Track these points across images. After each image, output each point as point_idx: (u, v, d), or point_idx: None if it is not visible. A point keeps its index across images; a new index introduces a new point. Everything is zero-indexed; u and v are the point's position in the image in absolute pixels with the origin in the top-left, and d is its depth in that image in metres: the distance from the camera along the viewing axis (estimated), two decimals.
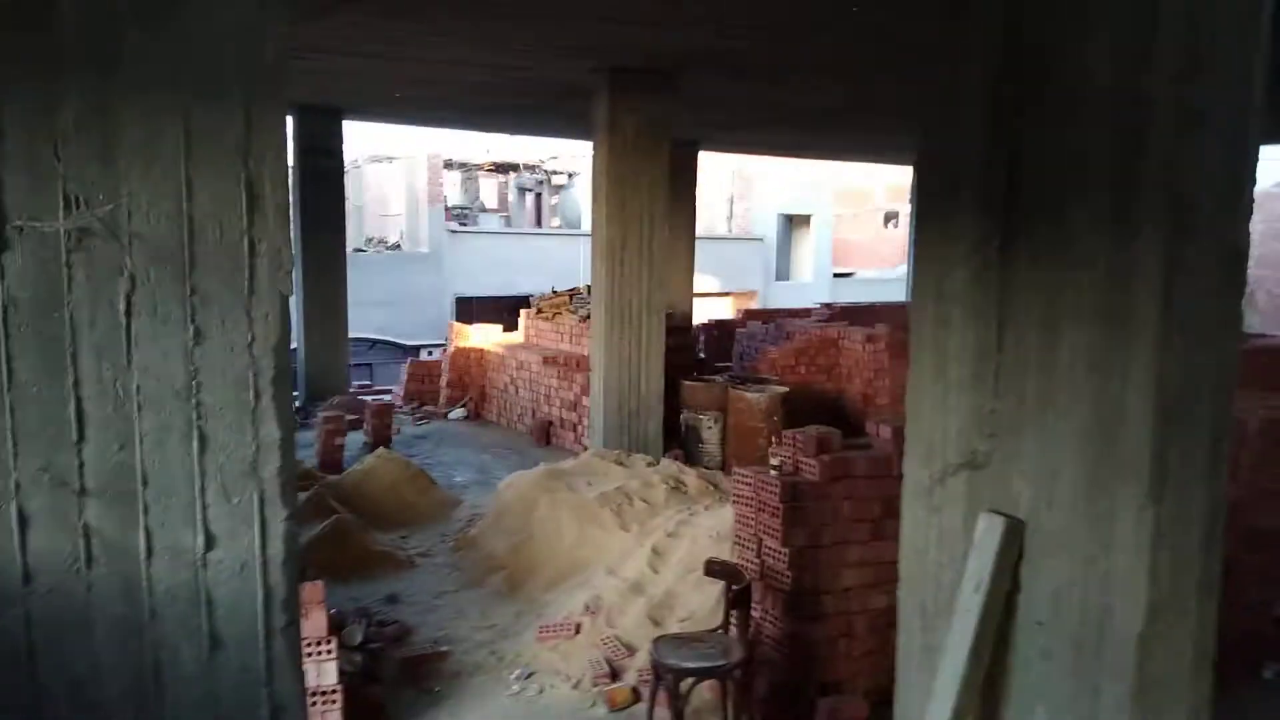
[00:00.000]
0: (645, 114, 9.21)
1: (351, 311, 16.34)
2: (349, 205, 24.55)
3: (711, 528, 6.52)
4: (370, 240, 22.47)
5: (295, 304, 13.30)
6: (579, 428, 11.09)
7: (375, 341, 19.72)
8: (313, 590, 4.51)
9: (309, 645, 4.40)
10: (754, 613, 4.88)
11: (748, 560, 5.08)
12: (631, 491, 7.41)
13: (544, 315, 12.50)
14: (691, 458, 9.79)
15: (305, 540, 7.25)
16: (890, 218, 41.91)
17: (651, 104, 9.24)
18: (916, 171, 3.58)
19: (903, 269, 33.98)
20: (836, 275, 27.98)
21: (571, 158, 25.13)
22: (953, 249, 3.07)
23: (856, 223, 41.27)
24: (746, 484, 5.14)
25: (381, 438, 10.72)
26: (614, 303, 9.33)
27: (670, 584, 6.14)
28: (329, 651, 4.43)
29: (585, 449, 9.75)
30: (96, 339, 1.97)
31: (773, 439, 9.77)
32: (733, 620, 4.82)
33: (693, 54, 8.57)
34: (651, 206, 9.33)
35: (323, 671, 4.42)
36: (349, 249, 21.98)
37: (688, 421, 10.24)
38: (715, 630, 4.86)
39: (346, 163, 24.74)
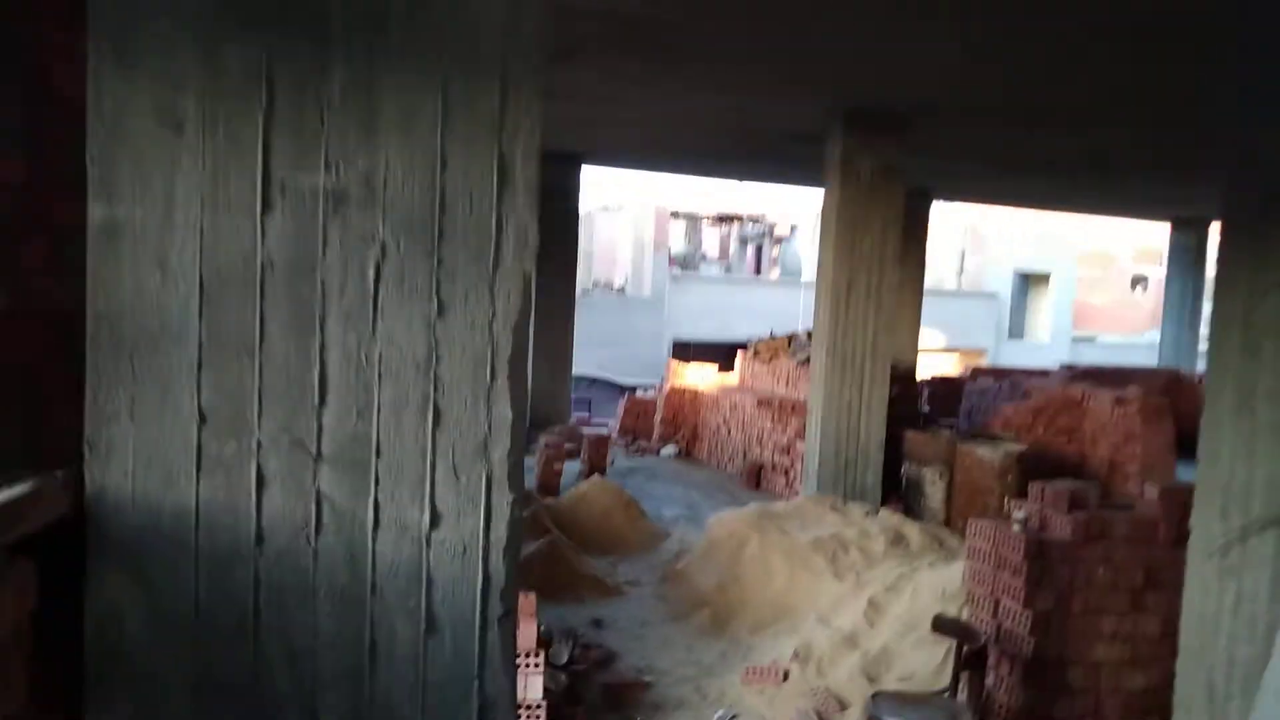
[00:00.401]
0: (880, 156, 8.90)
1: (574, 349, 16.89)
2: (580, 252, 25.58)
3: (936, 584, 6.05)
4: (596, 284, 23.20)
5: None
6: (790, 473, 10.76)
7: (595, 379, 20.22)
8: (525, 602, 4.51)
9: (517, 656, 4.38)
10: (987, 679, 4.42)
11: (981, 621, 4.63)
12: (847, 540, 7.03)
13: (761, 358, 12.32)
14: (911, 513, 9.23)
15: (522, 557, 7.37)
16: (1138, 281, 38.78)
17: (886, 146, 8.93)
18: (1225, 186, 3.15)
19: (1151, 335, 31.23)
20: (1076, 340, 26.06)
21: (793, 210, 24.97)
22: (1267, 273, 2.64)
23: (1099, 286, 38.44)
24: (985, 537, 4.70)
25: (597, 467, 10.85)
26: (836, 346, 9.00)
27: (887, 639, 5.73)
28: (536, 665, 4.40)
29: (796, 494, 9.43)
30: (345, 305, 1.98)
31: (1006, 500, 9.09)
32: (962, 684, 4.39)
33: (932, 96, 8.22)
34: (882, 250, 8.98)
35: (529, 684, 4.39)
36: (579, 292, 22.89)
37: (909, 474, 9.69)
38: (941, 692, 4.44)
39: (580, 210, 25.85)
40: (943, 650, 5.49)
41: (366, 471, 2.00)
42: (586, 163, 13.87)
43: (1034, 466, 9.38)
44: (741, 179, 15.77)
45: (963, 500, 9.26)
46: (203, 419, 1.94)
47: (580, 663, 5.75)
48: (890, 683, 5.37)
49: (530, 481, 10.05)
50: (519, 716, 4.38)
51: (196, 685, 2.00)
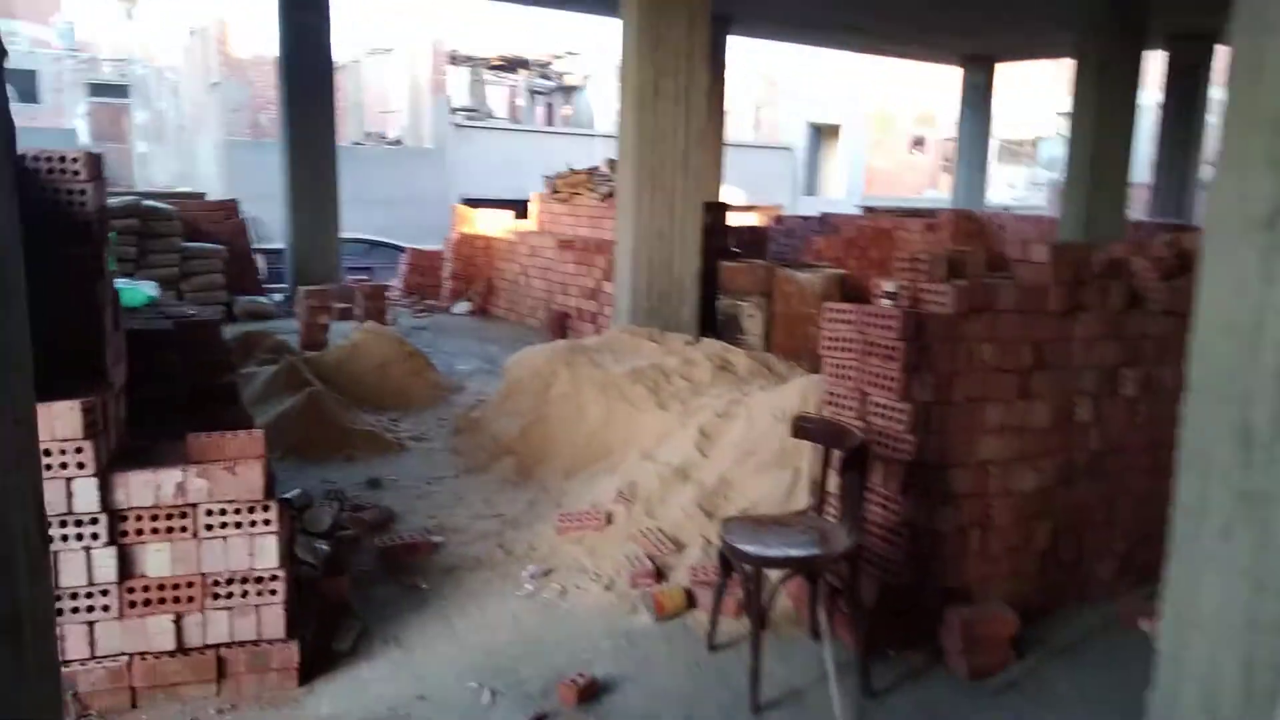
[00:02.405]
0: None
1: (348, 210, 14.98)
2: (348, 102, 22.99)
3: (774, 406, 5.21)
4: (369, 135, 20.88)
5: (281, 184, 11.92)
6: (599, 319, 9.74)
7: (374, 243, 18.29)
8: (249, 442, 3.20)
9: (237, 511, 3.11)
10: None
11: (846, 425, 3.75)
12: (669, 369, 6.08)
13: (560, 196, 11.07)
14: None
15: (272, 416, 5.97)
16: (918, 143, 40.11)
17: None
18: None
19: (932, 194, 32.35)
20: (866, 200, 26.36)
21: (585, 59, 23.40)
22: None
23: (881, 148, 39.49)
24: (846, 321, 3.79)
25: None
26: (644, 160, 7.87)
27: (724, 469, 4.85)
28: (267, 523, 3.13)
29: None
30: None
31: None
32: (830, 498, 3.52)
33: None
34: (690, 45, 7.82)
35: (259, 549, 3.13)
36: (346, 144, 20.51)
37: (725, 309, 8.89)
38: (805, 511, 3.56)
39: (345, 58, 23.11)
40: (788, 474, 4.67)
41: None
42: None
43: (852, 296, 8.83)
44: (525, 2, 14.07)
45: (782, 332, 8.57)
46: None
47: (349, 528, 4.53)
48: (732, 513, 4.50)
49: (294, 343, 8.49)
50: (245, 596, 3.12)
51: None
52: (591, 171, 10.77)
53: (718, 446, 5.15)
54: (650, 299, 8.21)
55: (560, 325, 10.15)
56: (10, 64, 20.75)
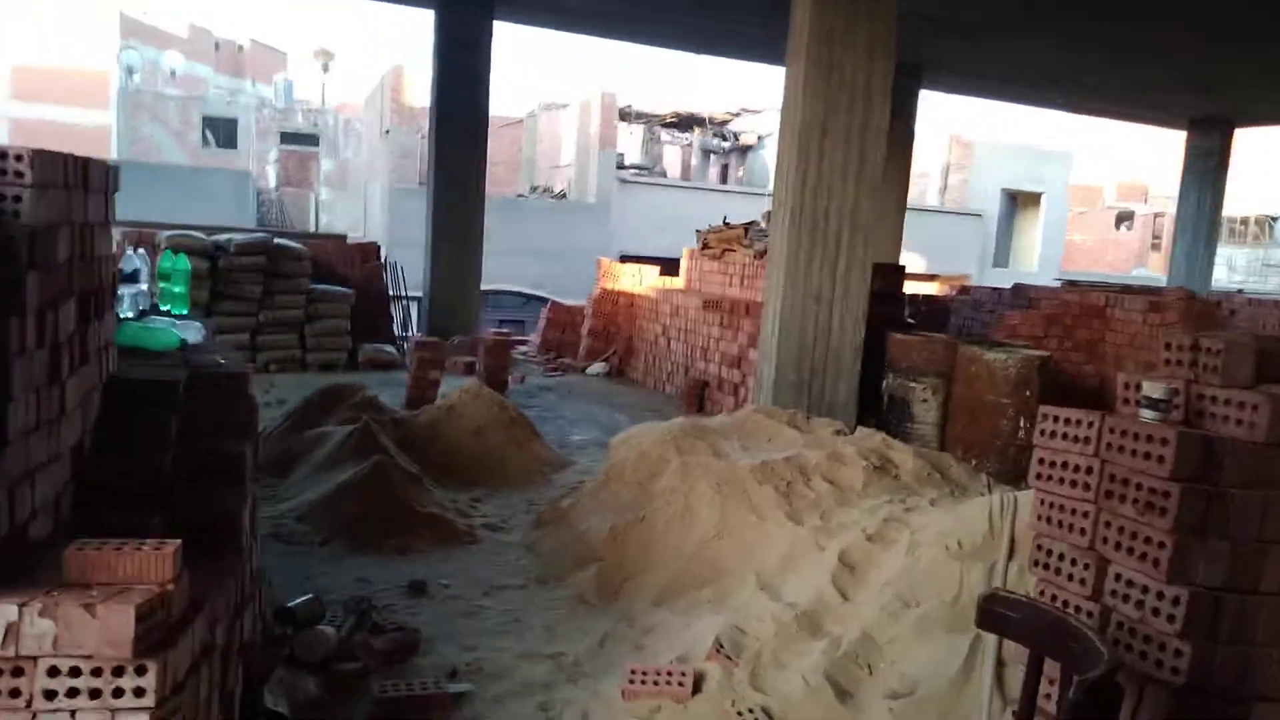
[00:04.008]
0: None
1: (505, 261, 14.47)
2: (521, 156, 22.96)
3: (948, 533, 3.80)
4: (535, 188, 20.59)
5: (424, 226, 11.42)
6: (741, 390, 8.49)
7: (529, 296, 17.79)
8: (155, 560, 2.15)
9: (95, 674, 2.04)
10: None
11: (1067, 606, 2.34)
12: (810, 466, 4.74)
13: (711, 252, 9.94)
14: (896, 439, 6.98)
15: (331, 488, 5.04)
16: (1124, 219, 36.82)
17: None
18: None
19: (1142, 272, 29.26)
20: (1065, 276, 23.94)
21: (761, 116, 22.43)
22: None
23: (1082, 222, 36.48)
24: (1077, 437, 2.39)
25: (495, 381, 8.48)
26: (805, 208, 6.65)
27: (870, 622, 3.48)
28: (138, 693, 2.04)
29: None
30: None
31: (1022, 422, 6.86)
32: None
33: None
34: (870, 78, 6.58)
35: None
36: (510, 196, 20.30)
37: (893, 390, 7.43)
38: None
39: (521, 112, 23.15)
40: (965, 642, 3.25)
41: None
42: (503, 13, 11.27)
43: (1057, 387, 7.20)
44: (698, 50, 13.23)
45: (963, 424, 7.02)
46: None
47: (360, 656, 3.43)
48: (878, 698, 3.12)
49: (398, 397, 7.68)
50: None
51: None
52: (749, 226, 9.61)
53: (864, 585, 3.78)
54: (799, 372, 6.92)
55: (698, 395, 8.94)
56: (215, 113, 21.67)
